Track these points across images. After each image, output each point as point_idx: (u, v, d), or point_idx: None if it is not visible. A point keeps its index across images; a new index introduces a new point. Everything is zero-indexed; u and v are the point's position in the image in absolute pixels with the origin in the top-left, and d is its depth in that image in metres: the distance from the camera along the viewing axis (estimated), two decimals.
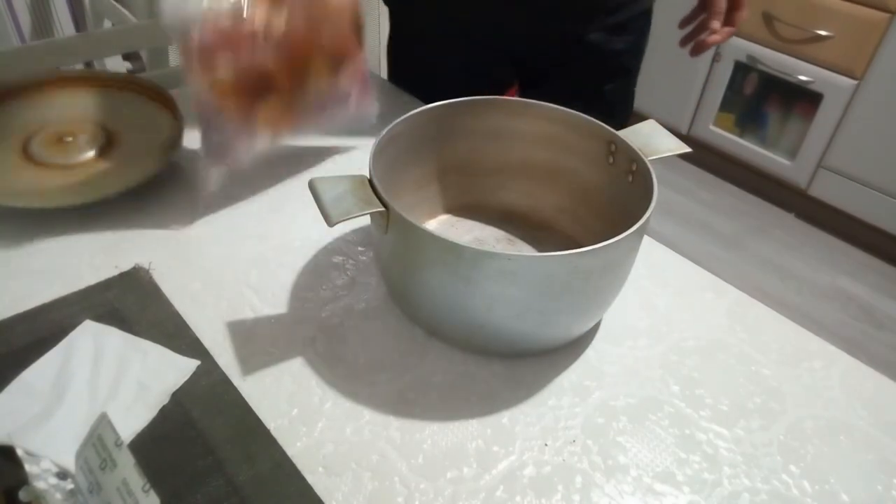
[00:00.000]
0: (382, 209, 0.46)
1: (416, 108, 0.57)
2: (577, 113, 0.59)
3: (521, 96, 0.61)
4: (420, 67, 0.91)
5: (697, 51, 0.75)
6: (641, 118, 0.61)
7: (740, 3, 0.73)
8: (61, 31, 1.62)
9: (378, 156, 0.51)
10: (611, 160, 0.58)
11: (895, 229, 1.84)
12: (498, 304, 0.47)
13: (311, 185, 0.46)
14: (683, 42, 0.78)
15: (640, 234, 0.48)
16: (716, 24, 0.73)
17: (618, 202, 0.57)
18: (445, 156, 0.62)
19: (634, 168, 0.54)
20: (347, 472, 0.44)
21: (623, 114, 0.92)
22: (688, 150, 0.56)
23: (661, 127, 0.58)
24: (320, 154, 0.76)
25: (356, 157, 0.76)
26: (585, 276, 0.47)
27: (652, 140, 0.56)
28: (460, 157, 0.63)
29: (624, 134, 0.56)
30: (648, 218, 0.47)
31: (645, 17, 0.87)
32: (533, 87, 0.90)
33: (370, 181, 0.48)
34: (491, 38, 0.83)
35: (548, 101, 0.59)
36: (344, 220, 0.44)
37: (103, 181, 0.63)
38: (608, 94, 0.88)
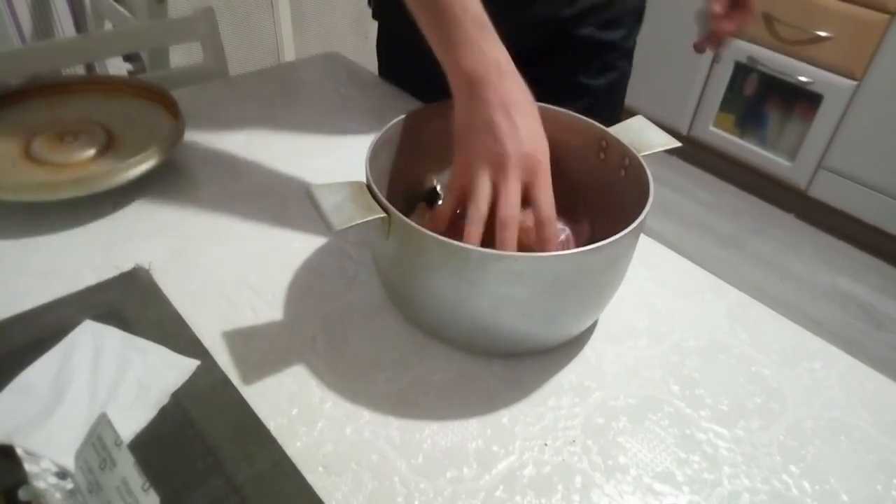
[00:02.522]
0: (384, 215, 0.46)
1: (410, 109, 0.57)
2: (567, 111, 0.59)
3: None
4: (406, 65, 0.90)
5: (709, 45, 0.73)
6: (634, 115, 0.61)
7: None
8: (62, 33, 1.62)
9: (373, 159, 0.51)
10: (602, 156, 0.58)
11: (895, 229, 1.84)
12: (503, 306, 0.47)
13: (310, 194, 0.46)
14: (701, 46, 0.77)
15: (640, 229, 0.48)
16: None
17: (611, 198, 0.57)
18: (437, 157, 0.62)
19: (627, 163, 0.55)
20: (347, 472, 0.44)
21: (611, 112, 0.91)
22: (678, 144, 0.57)
23: (650, 123, 0.58)
24: (318, 153, 0.76)
25: (353, 155, 0.76)
26: (590, 274, 0.47)
27: (642, 136, 0.56)
28: (452, 158, 0.63)
29: (614, 130, 0.56)
30: (648, 212, 0.47)
31: (635, 14, 0.86)
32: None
33: (368, 186, 0.48)
34: None
35: (534, 90, 0.59)
36: (345, 229, 0.44)
37: (103, 178, 0.63)
38: (595, 89, 0.87)
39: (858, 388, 0.53)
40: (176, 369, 0.48)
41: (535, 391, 0.50)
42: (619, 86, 0.90)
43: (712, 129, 2.12)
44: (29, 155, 0.66)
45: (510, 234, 0.47)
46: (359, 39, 2.08)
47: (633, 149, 0.54)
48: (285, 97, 0.88)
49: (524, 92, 0.51)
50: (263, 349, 0.52)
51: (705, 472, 0.46)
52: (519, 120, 0.49)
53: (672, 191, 2.14)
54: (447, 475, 0.44)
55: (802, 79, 1.86)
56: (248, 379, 0.49)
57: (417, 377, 0.51)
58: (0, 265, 0.57)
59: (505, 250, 0.47)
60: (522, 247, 0.58)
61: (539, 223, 0.49)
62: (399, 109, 0.57)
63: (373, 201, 0.47)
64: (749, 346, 0.56)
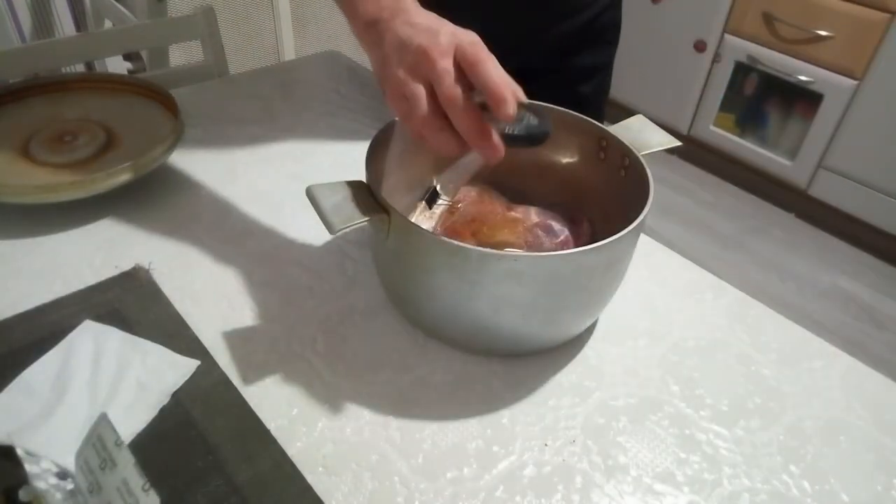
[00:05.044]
0: (384, 215, 0.46)
1: None
2: (567, 110, 0.59)
3: None
4: None
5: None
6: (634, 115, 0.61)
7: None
8: (62, 31, 1.62)
9: (372, 158, 0.51)
10: (602, 156, 0.58)
11: (895, 229, 1.84)
12: (504, 305, 0.47)
13: (310, 193, 0.46)
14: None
15: (640, 229, 0.48)
16: None
17: (611, 198, 0.57)
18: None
19: (627, 163, 0.55)
20: (347, 472, 0.44)
21: (597, 113, 0.93)
22: (678, 143, 0.57)
23: (650, 122, 0.58)
24: (318, 153, 0.76)
25: (353, 154, 0.76)
26: (590, 273, 0.47)
27: (642, 135, 0.56)
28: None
29: (614, 130, 0.57)
30: (647, 212, 0.47)
31: (615, 29, 0.88)
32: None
33: (368, 186, 0.48)
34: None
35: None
36: (345, 229, 0.44)
37: (103, 180, 0.63)
38: (583, 95, 0.89)
39: (858, 388, 0.53)
40: (176, 369, 0.48)
41: (535, 391, 0.50)
42: (600, 97, 0.92)
43: (712, 128, 2.12)
44: (28, 154, 0.66)
45: (459, 113, 0.43)
46: None
47: (633, 148, 0.54)
48: (285, 97, 0.88)
49: (426, 13, 0.48)
50: (264, 349, 0.52)
51: (705, 473, 0.46)
52: (423, 21, 0.46)
53: (672, 190, 2.14)
54: (447, 475, 0.44)
55: (803, 78, 1.86)
56: (248, 379, 0.49)
57: (417, 377, 0.51)
58: (0, 265, 0.57)
59: (465, 134, 0.44)
60: (521, 247, 0.58)
61: (491, 92, 0.43)
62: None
63: (373, 201, 0.47)
64: (749, 346, 0.56)
